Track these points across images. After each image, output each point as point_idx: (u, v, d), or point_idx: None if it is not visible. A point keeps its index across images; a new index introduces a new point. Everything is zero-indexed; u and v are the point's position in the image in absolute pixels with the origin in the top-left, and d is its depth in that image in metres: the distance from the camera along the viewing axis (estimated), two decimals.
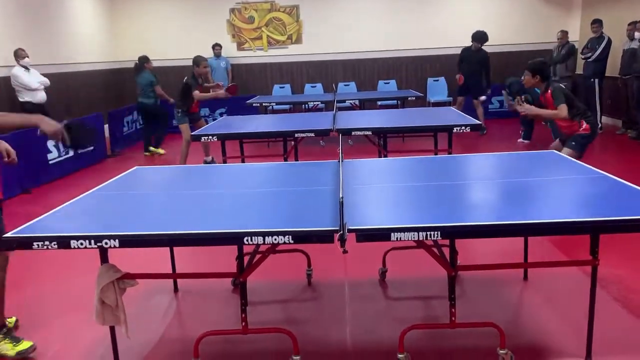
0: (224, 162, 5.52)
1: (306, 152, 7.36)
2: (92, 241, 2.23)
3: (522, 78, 4.82)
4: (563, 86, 4.70)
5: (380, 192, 2.84)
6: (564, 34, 9.46)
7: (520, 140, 8.25)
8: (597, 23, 8.72)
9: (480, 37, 9.04)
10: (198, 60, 6.85)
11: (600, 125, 8.87)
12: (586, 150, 4.62)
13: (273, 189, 2.98)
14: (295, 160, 6.61)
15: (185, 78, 6.92)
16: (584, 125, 4.50)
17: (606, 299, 3.19)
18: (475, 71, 9.07)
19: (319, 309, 3.31)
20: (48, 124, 2.64)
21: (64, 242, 2.25)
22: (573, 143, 4.53)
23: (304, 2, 11.48)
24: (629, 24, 8.25)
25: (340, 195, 2.17)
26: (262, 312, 3.25)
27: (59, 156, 7.22)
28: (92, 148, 7.10)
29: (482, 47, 9.05)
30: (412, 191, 2.82)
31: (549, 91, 4.52)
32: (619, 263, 3.65)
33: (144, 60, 8.42)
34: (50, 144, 7.07)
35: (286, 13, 11.54)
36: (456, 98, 9.48)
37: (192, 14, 11.53)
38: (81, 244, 2.23)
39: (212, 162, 7.45)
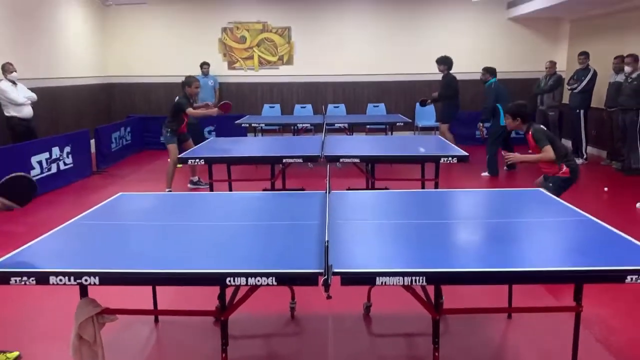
0: (210, 185, 5.50)
1: (294, 173, 7.35)
2: (72, 278, 2.19)
3: (505, 121, 4.90)
4: (543, 127, 4.71)
5: (366, 229, 2.83)
6: (553, 64, 9.62)
7: (485, 173, 8.02)
8: (584, 55, 8.88)
9: (440, 60, 8.77)
10: (190, 81, 6.85)
11: (585, 156, 8.99)
12: (564, 192, 4.43)
13: (258, 223, 2.96)
14: (283, 185, 6.61)
15: (177, 97, 6.90)
16: (564, 168, 4.43)
17: (589, 340, 3.19)
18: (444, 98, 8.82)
19: (302, 345, 3.27)
20: None
21: (42, 278, 2.20)
22: (551, 185, 4.41)
23: (295, 24, 11.58)
24: (615, 58, 8.40)
25: (326, 239, 2.15)
26: (244, 347, 3.21)
27: (41, 173, 7.12)
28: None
29: (450, 72, 8.74)
30: (398, 229, 2.81)
31: (530, 132, 4.50)
32: (602, 303, 3.66)
33: (186, 82, 8.28)
34: (34, 160, 6.99)
35: (278, 34, 11.61)
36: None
37: (184, 32, 11.56)
38: (60, 280, 2.19)
39: (199, 182, 7.41)
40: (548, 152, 4.35)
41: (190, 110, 6.69)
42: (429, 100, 8.82)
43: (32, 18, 8.81)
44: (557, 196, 4.17)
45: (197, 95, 6.93)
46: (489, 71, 8.43)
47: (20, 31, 8.46)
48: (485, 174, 8.03)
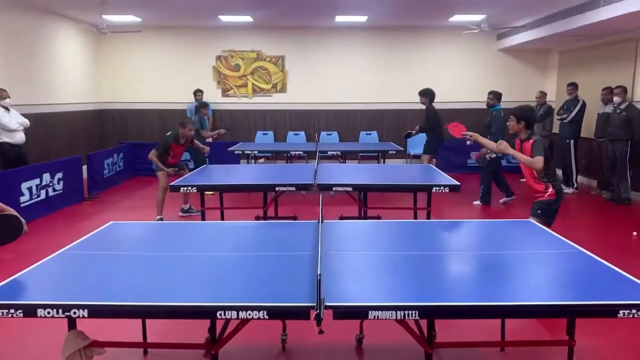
0: (202, 213, 5.48)
1: (287, 201, 7.34)
2: (60, 310, 2.16)
3: (508, 123, 4.70)
4: (545, 144, 4.67)
5: (358, 260, 2.82)
6: (543, 94, 9.77)
7: (477, 202, 8.03)
8: (572, 86, 9.02)
9: (422, 92, 8.70)
10: (185, 122, 6.86)
11: (576, 185, 9.07)
12: (554, 217, 4.38)
13: (250, 254, 2.94)
14: (275, 213, 6.60)
15: (167, 134, 6.92)
16: (550, 190, 4.33)
17: None
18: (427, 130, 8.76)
19: None
20: None
21: (30, 311, 2.18)
22: (539, 212, 4.32)
23: (289, 53, 11.72)
24: (603, 89, 8.55)
25: (318, 272, 2.14)
26: None
27: (30, 199, 7.07)
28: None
29: (432, 104, 8.66)
30: (390, 260, 2.80)
31: (531, 141, 4.38)
32: (595, 335, 3.64)
33: (201, 105, 8.72)
34: (24, 186, 6.94)
35: (272, 63, 11.74)
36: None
37: (179, 59, 11.66)
38: (48, 312, 2.17)
39: (190, 210, 7.38)
40: (538, 162, 4.22)
41: (152, 154, 6.67)
42: (414, 132, 8.88)
43: (27, 44, 8.86)
44: (547, 222, 4.20)
45: (190, 137, 6.91)
46: (497, 96, 8.31)
47: (14, 57, 8.50)
48: (478, 202, 8.05)
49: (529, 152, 4.34)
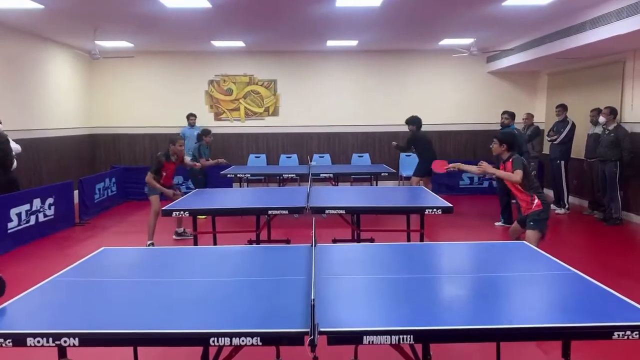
0: (195, 238, 5.44)
1: (280, 223, 7.33)
2: (50, 339, 2.13)
3: (491, 145, 5.11)
4: (524, 160, 4.91)
5: (352, 284, 2.80)
6: (529, 116, 9.88)
7: (500, 223, 7.96)
8: (561, 107, 9.13)
9: (409, 121, 8.90)
10: (175, 139, 6.90)
11: (567, 206, 9.12)
12: (547, 227, 4.73)
13: (243, 278, 2.92)
14: (268, 236, 6.57)
15: (159, 153, 6.95)
16: (536, 201, 4.66)
17: None
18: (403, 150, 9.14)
19: None
20: None
21: (19, 340, 2.14)
22: (532, 223, 4.66)
23: (281, 77, 11.82)
24: (592, 110, 8.66)
25: (312, 297, 2.13)
26: None
27: (19, 225, 7.00)
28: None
29: (419, 130, 8.86)
30: (384, 284, 2.79)
31: (510, 160, 4.78)
32: (590, 357, 3.63)
33: (203, 133, 8.72)
34: (13, 212, 6.88)
35: (264, 87, 11.82)
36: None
37: (171, 84, 11.73)
38: (38, 341, 2.13)
39: (184, 233, 7.34)
40: (516, 175, 4.63)
41: (149, 177, 6.66)
42: (396, 144, 9.21)
43: (19, 69, 8.88)
44: (542, 230, 4.63)
45: (181, 153, 6.94)
46: (512, 115, 8.36)
47: (6, 82, 8.51)
48: (500, 223, 7.97)
49: (510, 169, 4.75)
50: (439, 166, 5.84)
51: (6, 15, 7.68)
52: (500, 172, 4.89)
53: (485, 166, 4.98)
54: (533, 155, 9.64)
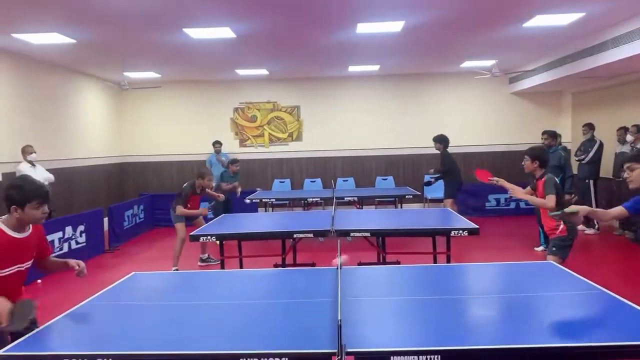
0: (222, 262, 5.51)
1: (305, 247, 7.36)
2: None
3: (523, 163, 4.87)
4: (557, 180, 4.76)
5: (379, 306, 2.82)
6: (549, 136, 9.72)
7: (541, 248, 7.51)
8: (587, 126, 9.03)
9: (437, 139, 8.73)
10: (203, 173, 7.02)
11: (597, 226, 8.94)
12: (569, 252, 4.51)
13: (270, 301, 2.96)
14: (294, 260, 6.61)
15: (184, 185, 7.07)
16: (562, 226, 4.44)
17: None
18: (441, 172, 8.73)
19: None
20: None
21: None
22: (554, 249, 4.49)
23: (304, 103, 11.99)
24: (619, 129, 8.56)
25: (339, 318, 2.16)
26: None
27: (53, 252, 7.18)
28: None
29: (446, 149, 8.67)
30: (411, 305, 2.80)
31: (543, 179, 4.57)
32: None
33: (231, 162, 8.95)
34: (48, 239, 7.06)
35: (287, 112, 12.00)
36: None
37: (198, 112, 11.99)
38: None
39: (209, 259, 7.42)
40: (550, 201, 4.42)
41: (179, 208, 6.81)
42: (433, 180, 8.92)
43: (52, 102, 9.21)
44: (562, 257, 4.41)
45: (209, 187, 7.10)
46: (552, 135, 7.87)
47: (40, 114, 8.83)
48: (540, 248, 7.57)
49: (541, 189, 4.55)
50: (483, 175, 5.62)
51: (40, 50, 8.01)
52: (531, 198, 4.66)
53: (517, 191, 4.79)
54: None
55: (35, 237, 2.98)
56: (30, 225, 2.92)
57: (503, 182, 5.11)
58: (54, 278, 6.90)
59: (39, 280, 6.64)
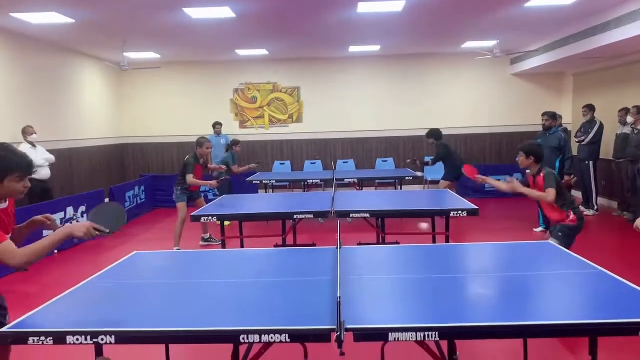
0: (223, 242, 5.55)
1: (305, 228, 7.40)
2: (88, 337, 2.21)
3: (517, 158, 4.87)
4: (555, 173, 4.75)
5: (378, 284, 2.84)
6: (549, 117, 9.70)
7: (540, 229, 7.61)
8: (587, 108, 9.01)
9: (429, 134, 8.89)
10: (202, 142, 7.05)
11: (596, 207, 8.97)
12: (573, 241, 4.45)
13: (270, 279, 2.99)
14: (294, 241, 6.65)
15: (186, 157, 7.07)
16: (572, 216, 4.42)
17: None
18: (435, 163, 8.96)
19: None
20: (78, 230, 2.61)
21: (59, 338, 2.23)
22: (560, 234, 4.41)
23: (304, 84, 11.94)
24: (620, 110, 8.53)
25: (338, 295, 2.18)
26: None
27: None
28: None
29: (440, 140, 8.77)
30: (409, 284, 2.83)
31: (542, 174, 4.52)
32: (617, 354, 3.59)
33: (233, 143, 9.05)
34: None
35: (288, 94, 11.96)
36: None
37: (197, 93, 11.95)
38: (77, 339, 2.22)
39: (210, 239, 7.46)
40: (550, 194, 4.35)
41: (190, 177, 6.83)
42: (430, 162, 9.04)
43: (52, 82, 9.18)
44: (567, 245, 4.26)
45: (208, 156, 7.17)
46: (552, 116, 7.77)
47: (41, 95, 8.80)
48: (540, 229, 7.64)
49: (542, 185, 4.46)
50: (470, 172, 5.65)
51: (39, 30, 7.96)
52: (531, 192, 4.58)
53: (516, 185, 4.67)
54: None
55: (12, 208, 2.83)
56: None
57: (490, 181, 5.11)
58: (54, 258, 6.96)
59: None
